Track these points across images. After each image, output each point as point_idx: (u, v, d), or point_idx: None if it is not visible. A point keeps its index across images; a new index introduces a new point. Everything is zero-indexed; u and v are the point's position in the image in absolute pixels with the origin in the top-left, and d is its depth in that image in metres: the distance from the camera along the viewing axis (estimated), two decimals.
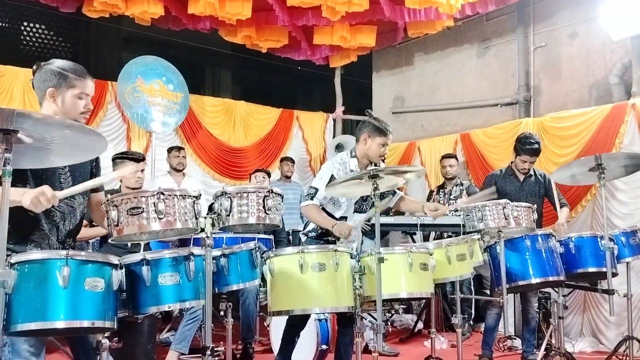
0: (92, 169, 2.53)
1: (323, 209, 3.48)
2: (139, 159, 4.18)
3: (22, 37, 9.30)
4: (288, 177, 6.99)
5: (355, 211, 3.56)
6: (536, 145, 4.44)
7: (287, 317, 3.42)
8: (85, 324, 2.03)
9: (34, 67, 2.40)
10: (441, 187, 6.20)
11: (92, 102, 6.51)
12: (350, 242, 3.55)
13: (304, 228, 3.69)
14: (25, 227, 2.20)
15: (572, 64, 6.05)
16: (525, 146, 4.44)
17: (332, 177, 3.38)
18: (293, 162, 7.15)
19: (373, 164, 3.51)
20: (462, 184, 6.00)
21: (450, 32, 7.05)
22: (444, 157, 6.17)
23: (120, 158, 4.17)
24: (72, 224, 2.41)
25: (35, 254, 2.03)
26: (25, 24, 9.33)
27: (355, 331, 2.98)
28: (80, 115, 2.39)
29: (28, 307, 1.95)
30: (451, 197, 5.89)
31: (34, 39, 9.39)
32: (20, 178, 2.21)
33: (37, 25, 9.42)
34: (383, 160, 3.58)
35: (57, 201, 2.12)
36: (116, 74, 6.39)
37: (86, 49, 9.87)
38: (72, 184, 2.36)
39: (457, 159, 6.19)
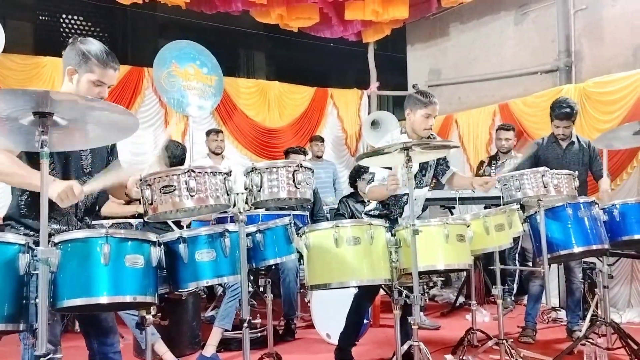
0: (108, 151, 2.54)
1: None
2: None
3: (61, 29, 9.55)
4: (319, 157, 6.99)
5: (415, 187, 3.51)
6: (567, 110, 4.30)
7: (323, 291, 3.44)
8: (128, 299, 2.10)
9: (70, 40, 2.37)
10: (493, 158, 5.88)
11: (130, 89, 6.67)
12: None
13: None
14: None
15: (615, 26, 5.79)
16: (556, 110, 4.34)
17: None
18: (323, 141, 7.13)
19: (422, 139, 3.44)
20: (517, 157, 5.53)
21: None
22: (500, 128, 5.81)
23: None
24: (89, 202, 2.42)
25: (77, 233, 2.10)
26: (64, 16, 9.58)
27: (392, 304, 2.99)
28: None
29: (73, 284, 2.03)
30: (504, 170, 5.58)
31: (72, 30, 9.63)
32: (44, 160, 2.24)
33: (75, 17, 9.66)
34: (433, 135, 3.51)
35: (83, 197, 2.12)
36: (153, 61, 6.50)
37: (123, 37, 10.07)
38: (92, 165, 2.39)
39: (514, 130, 5.77)
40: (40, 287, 1.80)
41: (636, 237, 3.54)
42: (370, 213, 3.58)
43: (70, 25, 9.62)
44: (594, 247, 3.43)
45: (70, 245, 2.06)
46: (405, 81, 8.33)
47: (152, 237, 2.23)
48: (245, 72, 10.23)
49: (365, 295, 3.55)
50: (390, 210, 3.52)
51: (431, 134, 3.49)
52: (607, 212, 3.58)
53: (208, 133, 6.34)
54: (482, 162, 6.08)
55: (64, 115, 1.83)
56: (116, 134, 2.08)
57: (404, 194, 3.51)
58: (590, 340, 3.60)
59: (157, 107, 6.65)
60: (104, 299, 2.04)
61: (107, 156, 2.55)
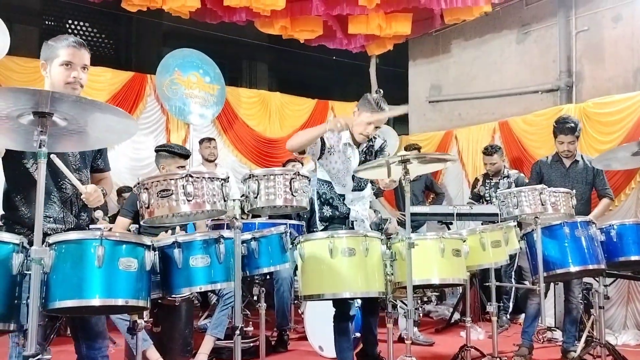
0: (96, 155, 2.58)
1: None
2: (183, 154, 3.92)
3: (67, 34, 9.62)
4: None
5: (353, 189, 3.41)
6: (571, 124, 4.34)
7: (317, 303, 3.41)
8: (120, 302, 2.08)
9: None
10: (487, 176, 5.82)
11: (132, 96, 6.67)
12: (361, 220, 3.45)
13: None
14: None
15: (616, 48, 5.83)
16: (560, 125, 4.38)
17: (322, 142, 3.28)
18: None
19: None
20: (509, 176, 5.60)
21: (489, 17, 6.90)
22: (483, 153, 5.75)
23: (165, 151, 4.01)
24: (81, 202, 2.43)
25: (72, 234, 2.10)
26: (70, 21, 9.64)
27: (386, 317, 2.97)
28: (66, 85, 2.34)
29: (65, 285, 2.01)
30: (498, 189, 5.41)
31: (78, 36, 9.68)
32: (27, 161, 2.30)
33: (82, 23, 9.73)
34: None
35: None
36: (156, 68, 6.54)
37: (127, 44, 10.13)
38: (81, 162, 2.44)
39: (498, 151, 5.65)
40: (32, 287, 1.79)
41: (633, 258, 3.53)
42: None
43: (76, 31, 9.69)
44: (591, 267, 3.42)
45: (64, 246, 2.05)
46: (406, 96, 8.36)
47: (147, 240, 2.22)
48: (248, 82, 10.28)
49: (339, 317, 3.31)
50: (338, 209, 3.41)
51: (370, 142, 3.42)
52: (605, 232, 3.57)
53: (201, 141, 6.33)
54: (477, 180, 6.09)
55: (63, 115, 1.83)
56: (115, 137, 2.09)
57: (342, 195, 3.40)
58: None
59: (159, 114, 6.68)
60: (96, 302, 2.03)
61: (92, 154, 2.56)
